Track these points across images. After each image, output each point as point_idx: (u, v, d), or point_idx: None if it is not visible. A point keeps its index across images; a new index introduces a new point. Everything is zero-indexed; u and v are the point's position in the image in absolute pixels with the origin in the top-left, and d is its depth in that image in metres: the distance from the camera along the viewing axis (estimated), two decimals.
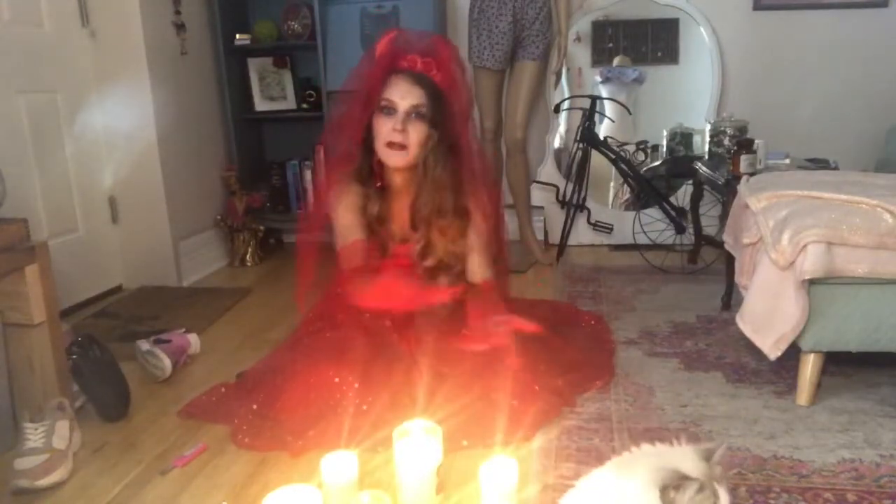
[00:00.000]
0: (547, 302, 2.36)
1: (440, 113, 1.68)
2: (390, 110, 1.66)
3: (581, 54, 3.54)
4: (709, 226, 3.02)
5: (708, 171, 2.71)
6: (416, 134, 1.67)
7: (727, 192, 2.40)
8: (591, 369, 1.85)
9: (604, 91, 3.51)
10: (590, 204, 3.34)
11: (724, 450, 1.01)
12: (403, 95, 1.65)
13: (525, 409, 1.59)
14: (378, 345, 1.74)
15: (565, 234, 3.20)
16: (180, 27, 3.01)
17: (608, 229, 3.35)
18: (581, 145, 3.12)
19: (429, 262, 1.75)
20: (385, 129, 1.66)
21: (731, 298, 2.37)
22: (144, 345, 2.00)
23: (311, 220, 1.99)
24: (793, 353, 1.68)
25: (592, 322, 2.21)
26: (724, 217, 2.45)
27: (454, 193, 1.73)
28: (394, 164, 1.70)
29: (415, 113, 1.66)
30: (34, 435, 1.49)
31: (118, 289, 2.91)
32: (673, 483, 0.95)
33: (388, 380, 1.64)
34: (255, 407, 1.63)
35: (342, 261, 1.79)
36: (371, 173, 1.76)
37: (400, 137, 1.65)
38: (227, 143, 3.39)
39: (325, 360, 1.64)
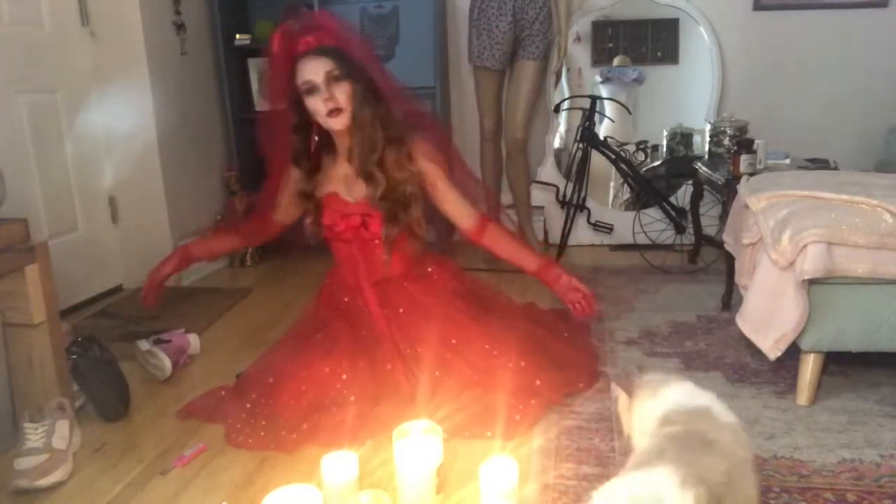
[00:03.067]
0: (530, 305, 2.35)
1: (350, 67, 1.80)
2: (313, 89, 1.77)
3: (581, 54, 3.54)
4: (709, 226, 3.01)
5: (708, 171, 2.71)
6: (342, 94, 1.77)
7: (727, 192, 2.40)
8: (576, 370, 1.85)
9: (604, 91, 3.51)
10: (590, 204, 3.34)
11: None
12: (315, 71, 1.76)
13: (521, 406, 1.62)
14: (359, 335, 1.79)
15: (565, 233, 3.20)
16: (180, 27, 3.01)
17: (608, 229, 3.35)
18: (581, 145, 3.12)
19: (379, 196, 1.83)
20: (318, 105, 1.77)
21: (731, 298, 2.36)
22: (144, 345, 2.00)
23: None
24: (793, 353, 1.68)
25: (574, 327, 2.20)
26: (724, 217, 2.44)
27: (383, 127, 1.83)
28: (338, 127, 1.80)
29: (331, 78, 1.77)
30: (34, 435, 1.49)
31: (118, 289, 2.91)
32: None
33: (373, 368, 1.70)
34: (248, 406, 1.66)
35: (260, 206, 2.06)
36: (307, 153, 1.89)
37: (332, 103, 1.76)
38: (227, 143, 3.39)
39: (316, 354, 1.70)
